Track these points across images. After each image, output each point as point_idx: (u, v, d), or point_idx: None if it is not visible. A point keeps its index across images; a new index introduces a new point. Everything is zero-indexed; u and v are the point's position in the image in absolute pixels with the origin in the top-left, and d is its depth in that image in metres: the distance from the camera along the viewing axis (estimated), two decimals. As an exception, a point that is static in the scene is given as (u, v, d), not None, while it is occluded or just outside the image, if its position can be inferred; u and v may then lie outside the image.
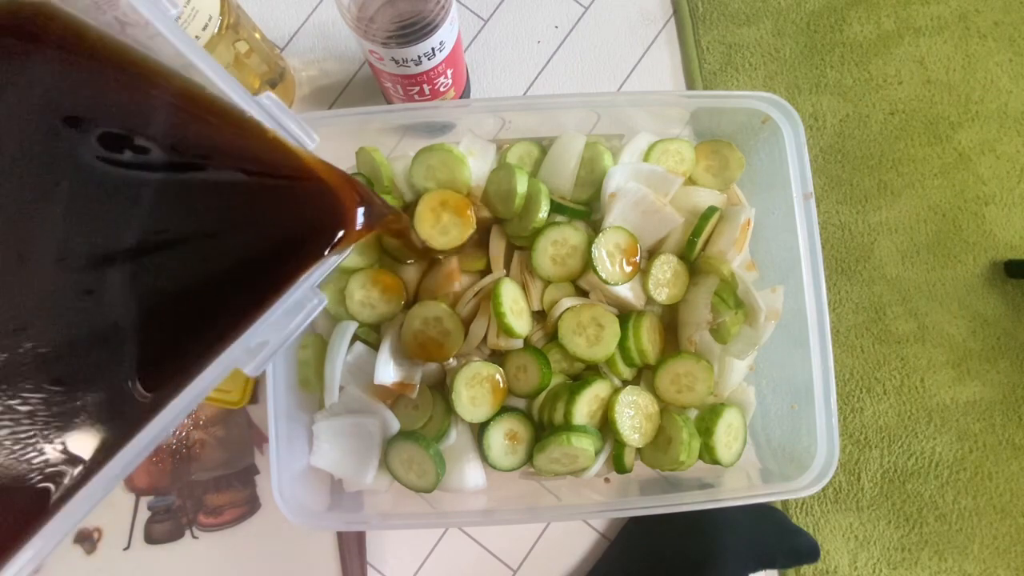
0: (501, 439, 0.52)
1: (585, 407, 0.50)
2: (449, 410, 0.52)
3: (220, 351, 0.28)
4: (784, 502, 0.65)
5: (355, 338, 0.52)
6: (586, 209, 0.54)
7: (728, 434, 0.52)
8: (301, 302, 0.31)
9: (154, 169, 0.29)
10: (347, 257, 0.34)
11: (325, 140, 0.54)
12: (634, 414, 0.51)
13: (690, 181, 0.57)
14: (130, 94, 0.29)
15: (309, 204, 0.32)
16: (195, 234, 0.30)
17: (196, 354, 0.28)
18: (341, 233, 0.32)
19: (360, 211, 0.32)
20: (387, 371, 0.50)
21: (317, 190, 0.32)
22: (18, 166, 0.27)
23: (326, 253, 0.31)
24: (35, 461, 0.26)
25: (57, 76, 0.28)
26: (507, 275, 0.53)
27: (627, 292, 0.52)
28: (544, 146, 0.56)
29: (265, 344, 0.30)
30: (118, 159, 0.29)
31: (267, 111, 0.32)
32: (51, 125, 0.28)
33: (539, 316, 0.54)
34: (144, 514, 0.62)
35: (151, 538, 0.62)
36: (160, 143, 0.29)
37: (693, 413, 0.54)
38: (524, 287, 0.53)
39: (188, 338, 0.29)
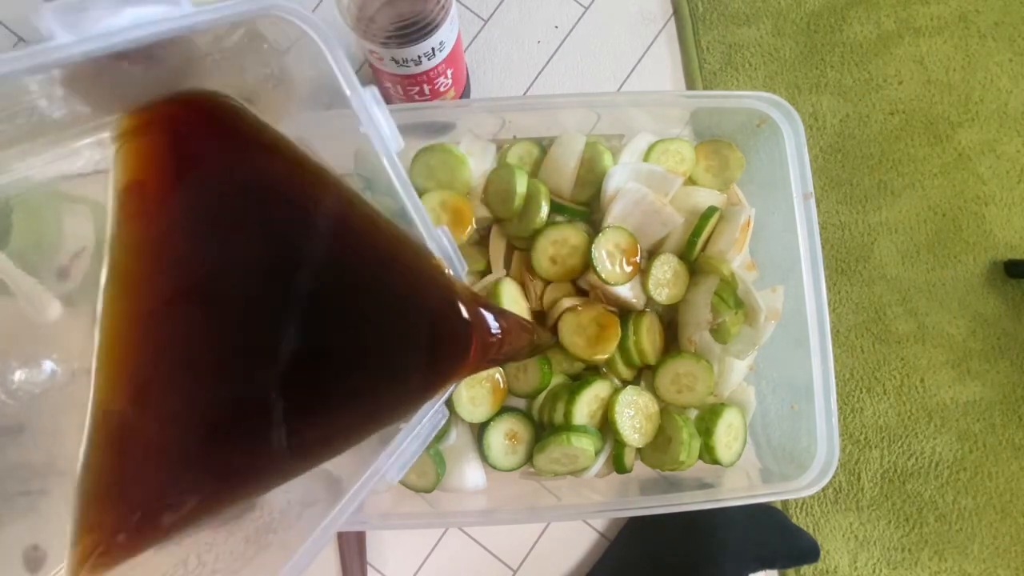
0: (501, 439, 0.52)
1: (585, 407, 0.50)
2: (449, 410, 0.52)
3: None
4: (784, 502, 0.65)
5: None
6: (586, 209, 0.54)
7: (728, 434, 0.52)
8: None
9: (317, 277, 0.29)
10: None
11: (325, 140, 0.54)
12: (634, 414, 0.51)
13: (690, 181, 0.57)
14: (302, 194, 0.30)
15: (450, 328, 0.32)
16: (345, 345, 0.30)
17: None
18: (466, 361, 0.33)
19: (491, 343, 0.33)
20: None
21: (459, 316, 0.32)
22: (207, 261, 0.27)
23: (451, 380, 0.33)
24: None
25: (244, 172, 0.29)
26: (507, 275, 0.53)
27: (627, 292, 0.52)
28: (544, 146, 0.56)
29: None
30: (288, 261, 0.29)
31: (440, 242, 0.33)
32: (234, 220, 0.28)
33: (539, 316, 0.54)
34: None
35: (151, 538, 0.62)
36: (327, 252, 0.30)
37: (693, 413, 0.54)
38: (524, 287, 0.53)
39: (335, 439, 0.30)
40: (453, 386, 0.34)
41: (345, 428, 0.30)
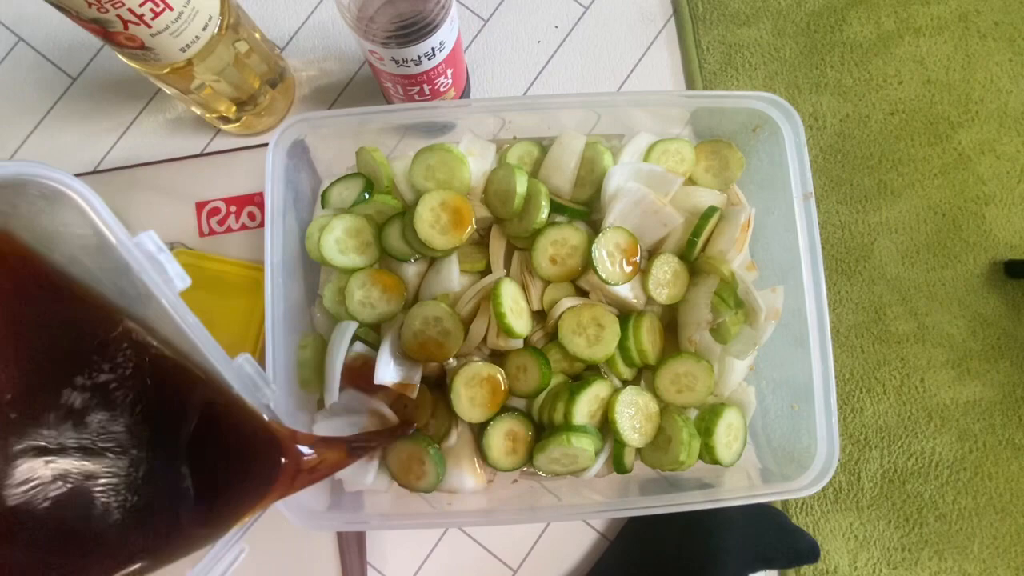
0: (501, 439, 0.52)
1: (585, 407, 0.50)
2: (449, 410, 0.52)
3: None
4: (784, 502, 0.65)
5: (355, 338, 0.52)
6: (586, 209, 0.54)
7: (728, 434, 0.52)
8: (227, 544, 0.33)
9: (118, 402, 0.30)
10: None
11: (325, 140, 0.55)
12: (634, 414, 0.51)
13: (690, 181, 0.57)
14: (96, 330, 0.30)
15: (258, 455, 0.33)
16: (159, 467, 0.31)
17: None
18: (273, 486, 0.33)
19: (301, 468, 0.34)
20: (387, 372, 0.50)
21: (266, 442, 0.33)
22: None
23: (261, 501, 0.33)
24: None
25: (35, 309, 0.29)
26: (507, 275, 0.53)
27: (627, 292, 0.52)
28: (544, 146, 0.56)
29: None
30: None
31: (239, 371, 0.33)
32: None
33: (539, 316, 0.54)
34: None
35: (151, 538, 0.62)
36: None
37: (693, 413, 0.54)
38: (524, 287, 0.53)
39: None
40: (250, 521, 0.33)
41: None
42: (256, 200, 0.66)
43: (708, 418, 0.52)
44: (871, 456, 0.66)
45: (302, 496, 0.49)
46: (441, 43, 0.51)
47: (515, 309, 0.50)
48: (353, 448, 0.37)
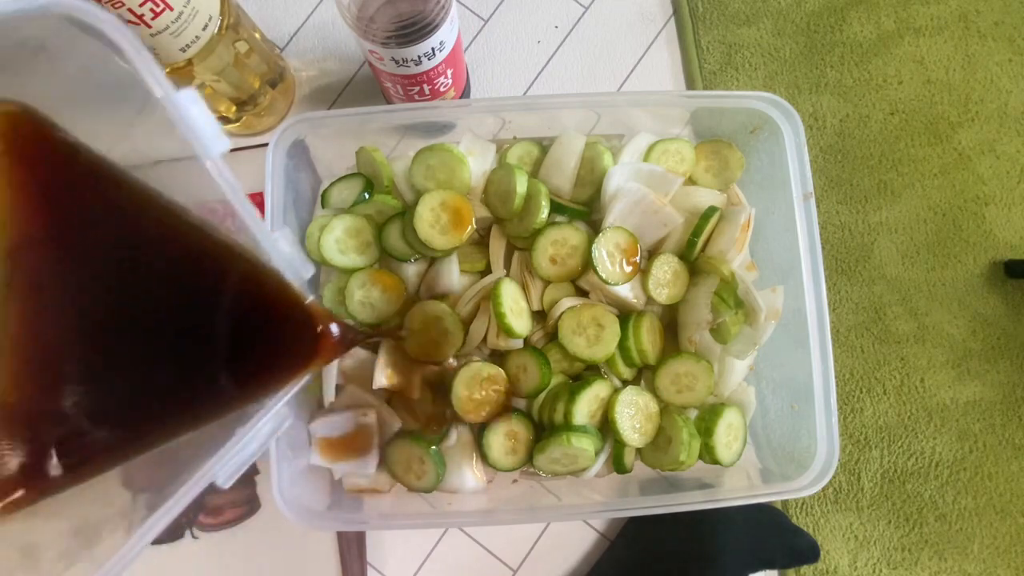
0: (501, 439, 0.52)
1: (585, 407, 0.50)
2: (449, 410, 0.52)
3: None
4: (784, 502, 0.65)
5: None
6: (586, 209, 0.54)
7: (728, 434, 0.52)
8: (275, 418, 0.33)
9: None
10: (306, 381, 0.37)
11: (325, 140, 0.55)
12: (634, 414, 0.51)
13: (690, 181, 0.57)
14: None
15: (295, 328, 0.34)
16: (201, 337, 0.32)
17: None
18: (316, 354, 0.34)
19: (334, 334, 0.35)
20: (386, 372, 0.50)
21: (302, 316, 0.34)
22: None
23: (302, 372, 0.34)
24: None
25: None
26: (507, 275, 0.53)
27: (627, 292, 0.52)
28: (544, 146, 0.56)
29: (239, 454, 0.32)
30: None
31: (276, 246, 0.33)
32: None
33: (539, 316, 0.54)
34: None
35: (151, 538, 0.62)
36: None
37: (693, 413, 0.54)
38: (524, 287, 0.53)
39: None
40: (294, 388, 0.34)
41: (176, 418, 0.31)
42: (256, 200, 0.66)
43: (708, 418, 0.52)
44: (871, 456, 0.66)
45: (302, 496, 0.49)
46: (441, 43, 0.51)
47: (515, 309, 0.50)
48: (357, 335, 0.38)
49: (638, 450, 0.53)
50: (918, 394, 0.67)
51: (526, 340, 0.52)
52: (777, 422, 0.54)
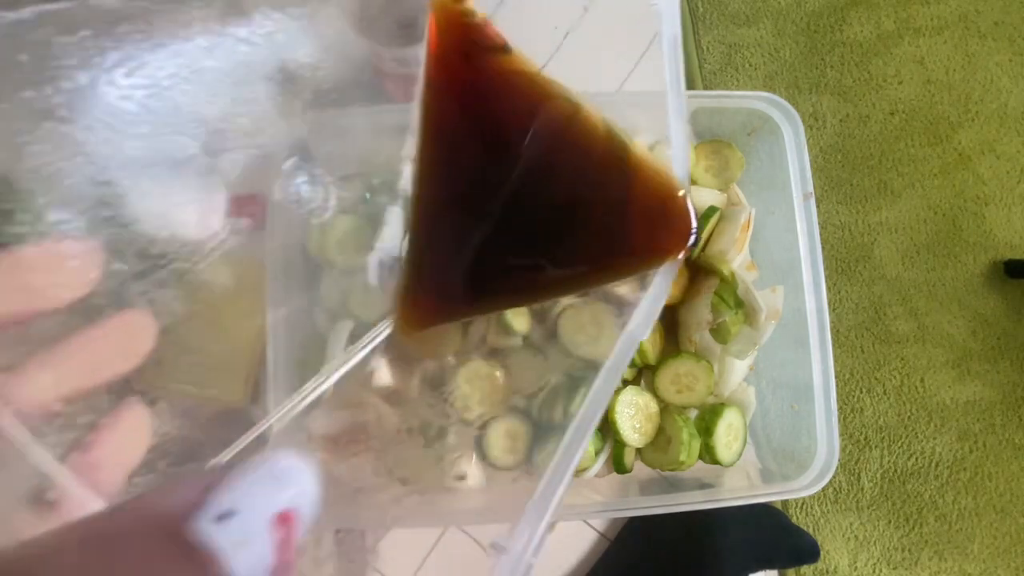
0: (501, 438, 0.52)
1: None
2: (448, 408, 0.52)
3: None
4: (784, 502, 0.65)
5: (353, 337, 0.52)
6: (586, 209, 0.54)
7: (728, 434, 0.52)
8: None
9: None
10: None
11: (326, 140, 0.54)
12: (634, 414, 0.51)
13: (690, 181, 0.57)
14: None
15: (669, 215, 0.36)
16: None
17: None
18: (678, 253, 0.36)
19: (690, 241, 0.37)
20: (385, 372, 0.50)
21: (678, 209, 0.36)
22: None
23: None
24: None
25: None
26: (507, 275, 0.53)
27: (627, 291, 0.52)
28: (544, 146, 0.56)
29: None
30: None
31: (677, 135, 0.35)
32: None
33: (538, 315, 0.54)
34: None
35: (151, 538, 0.62)
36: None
37: (693, 413, 0.54)
38: (524, 287, 0.53)
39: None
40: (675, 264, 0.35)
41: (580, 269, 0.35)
42: (257, 199, 0.66)
43: (708, 418, 0.52)
44: (871, 456, 0.66)
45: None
46: (441, 43, 0.51)
47: (514, 309, 0.50)
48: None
49: (638, 450, 0.53)
50: (918, 394, 0.67)
51: (525, 338, 0.52)
52: (777, 422, 0.54)
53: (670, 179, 0.35)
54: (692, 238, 0.36)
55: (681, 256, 0.36)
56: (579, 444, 0.30)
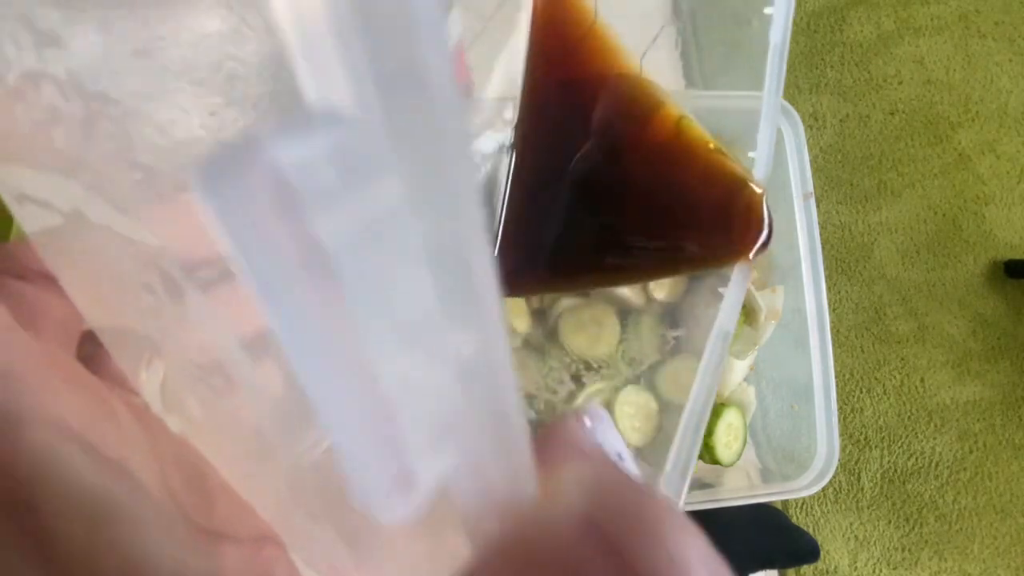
0: (501, 439, 0.52)
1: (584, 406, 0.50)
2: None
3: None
4: (784, 502, 0.65)
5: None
6: (586, 209, 0.54)
7: (728, 434, 0.52)
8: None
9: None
10: None
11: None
12: (634, 413, 0.51)
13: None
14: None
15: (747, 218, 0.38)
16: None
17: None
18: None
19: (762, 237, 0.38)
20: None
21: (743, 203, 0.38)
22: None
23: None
24: None
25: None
26: (507, 275, 0.53)
27: (627, 291, 0.52)
28: (544, 146, 0.56)
29: None
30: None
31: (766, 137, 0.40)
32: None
33: (538, 314, 0.54)
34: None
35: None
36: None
37: (693, 413, 0.54)
38: (524, 287, 0.53)
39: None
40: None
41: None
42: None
43: (708, 418, 0.52)
44: (871, 456, 0.66)
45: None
46: (441, 43, 0.51)
47: (514, 307, 0.50)
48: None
49: (638, 450, 0.53)
50: (918, 394, 0.67)
51: (525, 338, 0.52)
52: (777, 422, 0.54)
53: (747, 179, 0.36)
54: (764, 236, 0.37)
55: (753, 254, 0.37)
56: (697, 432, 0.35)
